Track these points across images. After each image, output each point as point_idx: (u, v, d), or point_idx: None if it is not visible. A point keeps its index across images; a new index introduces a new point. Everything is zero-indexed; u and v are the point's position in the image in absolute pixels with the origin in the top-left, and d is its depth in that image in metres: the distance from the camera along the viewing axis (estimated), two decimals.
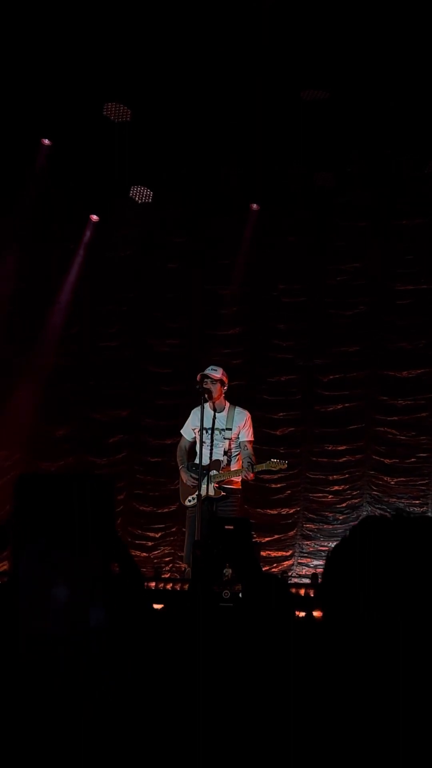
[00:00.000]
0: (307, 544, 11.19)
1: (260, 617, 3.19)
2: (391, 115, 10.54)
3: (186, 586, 7.84)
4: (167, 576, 9.93)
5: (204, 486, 8.26)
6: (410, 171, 11.10)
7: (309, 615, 6.69)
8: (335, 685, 2.11)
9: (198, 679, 2.69)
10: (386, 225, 11.29)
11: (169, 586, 8.14)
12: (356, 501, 11.13)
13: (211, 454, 8.27)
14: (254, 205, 11.75)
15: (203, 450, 8.28)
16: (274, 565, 11.14)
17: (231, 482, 8.38)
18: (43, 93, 10.52)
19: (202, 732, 2.55)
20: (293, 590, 7.92)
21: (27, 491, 2.71)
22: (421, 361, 11.15)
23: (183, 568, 10.02)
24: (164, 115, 10.90)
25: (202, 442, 8.30)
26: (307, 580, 9.78)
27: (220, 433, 8.36)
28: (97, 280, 12.11)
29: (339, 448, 11.31)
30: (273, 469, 8.58)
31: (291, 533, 11.26)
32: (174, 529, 11.45)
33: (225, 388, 8.46)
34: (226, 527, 7.19)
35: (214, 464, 8.29)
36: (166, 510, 11.55)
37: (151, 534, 11.64)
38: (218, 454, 8.32)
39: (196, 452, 8.47)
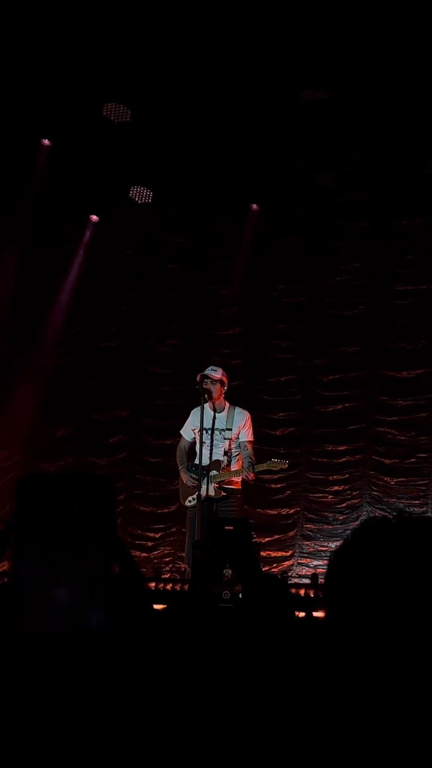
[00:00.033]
0: (307, 545, 11.19)
1: (260, 618, 3.18)
2: (391, 115, 10.54)
3: (186, 587, 7.84)
4: (167, 576, 9.93)
5: (204, 486, 8.26)
6: (410, 171, 11.10)
7: (309, 615, 6.69)
8: (335, 686, 2.11)
9: (198, 679, 2.69)
10: (386, 225, 11.30)
11: (169, 587, 8.14)
12: (356, 501, 11.13)
13: (210, 454, 8.27)
14: (254, 206, 11.75)
15: (203, 450, 8.28)
16: (274, 565, 11.14)
17: (231, 482, 8.37)
18: (43, 93, 10.52)
19: (202, 732, 2.55)
20: (293, 590, 7.92)
21: (27, 492, 2.71)
22: (421, 361, 11.15)
23: (183, 569, 10.02)
24: (164, 115, 10.90)
25: (202, 443, 8.30)
26: (307, 581, 9.78)
27: (220, 433, 8.35)
28: (97, 280, 12.11)
29: (339, 449, 11.31)
30: (274, 468, 8.57)
31: (291, 533, 11.26)
32: (174, 530, 11.45)
33: (225, 388, 8.46)
34: (226, 528, 7.19)
35: (215, 464, 8.28)
36: (166, 510, 11.54)
37: (151, 534, 11.64)
38: (218, 455, 8.32)
39: (195, 452, 8.46)
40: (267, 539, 11.11)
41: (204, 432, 8.25)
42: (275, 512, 11.31)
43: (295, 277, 11.71)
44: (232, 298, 11.84)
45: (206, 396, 8.27)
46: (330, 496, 11.25)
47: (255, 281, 11.82)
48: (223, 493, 8.29)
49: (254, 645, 2.93)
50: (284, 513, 11.32)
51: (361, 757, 2.03)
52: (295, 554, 11.18)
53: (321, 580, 8.80)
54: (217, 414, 8.37)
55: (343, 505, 11.20)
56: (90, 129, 11.03)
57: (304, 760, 2.31)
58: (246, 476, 8.31)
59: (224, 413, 8.42)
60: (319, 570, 10.55)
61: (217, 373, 8.39)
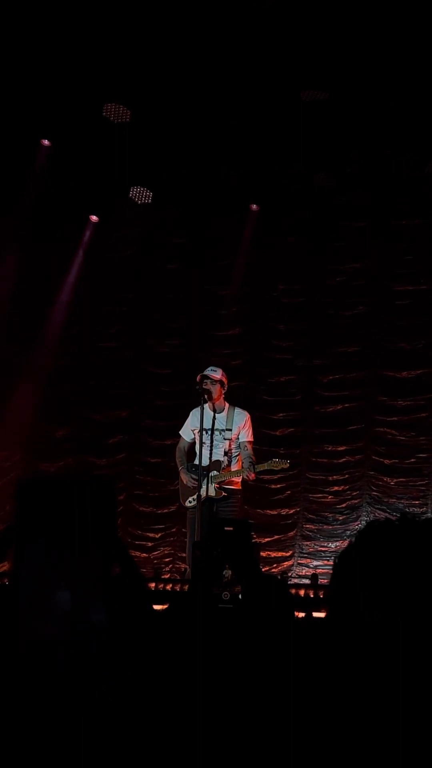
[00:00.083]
0: (306, 545, 11.19)
1: (260, 618, 3.18)
2: (391, 115, 10.54)
3: (186, 587, 7.83)
4: (167, 577, 9.93)
5: (204, 486, 8.26)
6: (410, 171, 11.10)
7: (309, 616, 6.69)
8: (336, 686, 2.11)
9: (198, 679, 2.68)
10: (386, 225, 11.29)
11: (168, 587, 8.14)
12: (356, 501, 11.13)
13: (210, 454, 8.26)
14: (254, 206, 11.75)
15: (203, 451, 8.27)
16: (274, 565, 11.13)
17: (231, 483, 8.37)
18: (43, 93, 10.52)
19: (202, 732, 2.54)
20: (293, 591, 7.92)
21: (28, 495, 2.71)
22: (421, 361, 11.15)
23: (183, 569, 10.01)
24: (164, 115, 10.90)
25: (201, 443, 8.29)
26: (306, 581, 9.77)
27: (220, 433, 8.35)
28: (97, 280, 12.11)
29: (339, 449, 11.31)
30: (275, 468, 8.56)
31: (291, 534, 11.26)
32: (174, 530, 11.45)
33: (225, 389, 8.45)
34: (226, 528, 7.18)
35: (215, 465, 8.28)
36: (166, 511, 11.54)
37: (151, 534, 11.64)
38: (218, 455, 8.32)
39: (195, 453, 8.46)
40: (267, 539, 11.11)
41: (204, 432, 8.25)
42: (275, 512, 11.31)
43: (295, 278, 11.70)
44: (232, 298, 11.84)
45: (206, 396, 8.27)
46: (330, 497, 11.25)
47: (255, 281, 11.82)
48: (223, 494, 8.29)
49: (254, 645, 2.93)
50: (284, 513, 11.32)
51: (361, 756, 2.02)
52: (295, 554, 11.18)
53: (321, 581, 8.81)
54: (216, 414, 8.36)
55: (343, 505, 11.19)
56: (90, 129, 11.02)
57: (304, 760, 2.31)
58: (247, 476, 8.31)
59: (224, 414, 8.42)
60: (319, 570, 10.55)
61: (216, 373, 8.38)
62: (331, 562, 8.65)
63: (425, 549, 2.02)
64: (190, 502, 8.40)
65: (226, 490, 8.32)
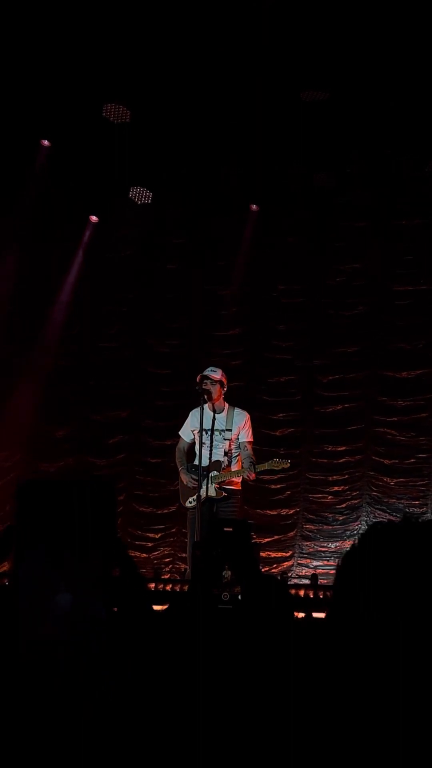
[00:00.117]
0: (306, 545, 11.19)
1: (259, 619, 3.18)
2: (391, 115, 10.54)
3: (186, 587, 7.83)
4: (167, 577, 9.93)
5: (204, 487, 8.25)
6: (410, 171, 11.09)
7: (308, 616, 6.68)
8: (336, 687, 2.11)
9: (198, 679, 2.68)
10: (386, 225, 11.29)
11: (168, 587, 8.14)
12: (356, 502, 11.12)
13: (210, 455, 8.26)
14: (254, 206, 11.75)
15: (203, 451, 8.27)
16: (274, 565, 11.13)
17: (231, 483, 8.37)
18: (43, 94, 10.52)
19: (202, 732, 2.54)
20: (293, 591, 7.92)
21: (28, 495, 2.72)
22: (421, 361, 11.15)
23: (183, 569, 10.01)
24: (164, 115, 10.90)
25: (201, 443, 8.29)
26: (306, 581, 9.77)
27: (220, 434, 8.35)
28: (97, 280, 12.11)
29: (338, 449, 11.31)
30: (276, 468, 8.56)
31: (291, 534, 11.26)
32: (174, 530, 11.45)
33: (224, 389, 8.45)
34: (226, 529, 7.18)
35: (215, 465, 8.28)
36: (166, 511, 11.54)
37: (151, 535, 11.63)
38: (218, 455, 8.31)
39: (195, 453, 8.45)
40: (267, 540, 11.11)
41: (204, 433, 8.25)
42: (275, 513, 11.30)
43: (295, 278, 11.70)
44: (231, 298, 11.84)
45: (206, 397, 8.27)
46: (330, 497, 11.24)
47: (255, 282, 11.82)
48: (223, 494, 8.29)
49: (253, 646, 2.93)
50: (284, 513, 11.32)
51: (361, 757, 2.02)
52: (295, 555, 11.17)
53: (321, 581, 8.81)
54: (216, 415, 8.36)
55: (343, 505, 11.19)
56: (90, 129, 11.02)
57: (304, 760, 2.31)
58: (247, 476, 8.30)
59: (224, 414, 8.42)
60: (318, 570, 10.55)
61: (216, 373, 8.38)
62: (332, 563, 8.70)
63: (428, 550, 2.01)
64: (190, 502, 8.39)
65: (226, 490, 8.32)
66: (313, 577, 8.98)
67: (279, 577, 9.78)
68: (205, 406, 8.28)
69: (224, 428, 8.37)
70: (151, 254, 12.12)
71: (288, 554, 11.20)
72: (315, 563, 11.02)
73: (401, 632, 1.96)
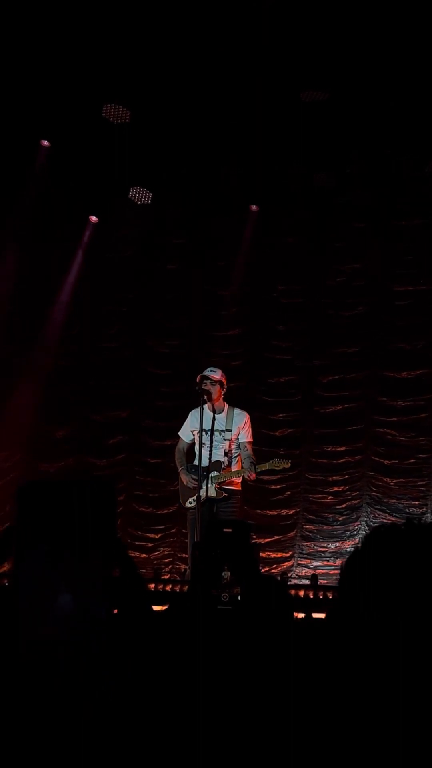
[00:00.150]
0: (306, 545, 11.19)
1: (259, 619, 3.18)
2: (391, 115, 10.53)
3: (186, 588, 7.83)
4: (167, 577, 9.92)
5: (204, 487, 8.25)
6: (410, 171, 11.09)
7: (308, 616, 6.68)
8: (336, 688, 2.10)
9: (198, 680, 2.68)
10: (386, 225, 11.29)
11: (168, 588, 8.14)
12: (356, 502, 11.12)
13: (210, 455, 8.26)
14: (253, 207, 11.74)
15: (203, 451, 8.27)
16: (274, 566, 11.13)
17: (232, 483, 8.37)
18: (43, 94, 10.52)
19: (202, 732, 2.54)
20: (293, 591, 7.92)
21: (29, 496, 2.72)
22: (421, 361, 11.14)
23: (182, 569, 10.01)
24: (164, 115, 10.90)
25: (201, 444, 8.29)
26: (306, 581, 9.77)
27: (219, 434, 8.34)
28: (97, 280, 12.11)
29: (338, 449, 11.30)
30: (276, 468, 8.56)
31: (291, 534, 11.25)
32: (174, 531, 11.45)
33: (224, 389, 8.45)
34: (225, 530, 7.18)
35: (215, 465, 8.28)
36: (166, 511, 11.54)
37: (151, 535, 11.63)
38: (218, 456, 8.31)
39: (194, 454, 8.45)
40: (267, 540, 11.10)
41: (204, 433, 8.24)
42: (275, 513, 11.30)
43: (295, 278, 11.70)
44: (231, 298, 11.83)
45: (205, 397, 8.27)
46: (330, 497, 11.24)
47: (255, 282, 11.81)
48: (224, 494, 8.29)
49: (253, 646, 2.92)
50: (284, 514, 11.31)
51: (361, 757, 2.02)
52: (295, 555, 11.17)
53: (321, 581, 8.80)
54: (216, 415, 8.36)
55: (343, 505, 11.19)
56: (89, 130, 11.02)
57: (304, 760, 2.31)
58: (248, 476, 8.30)
59: (223, 414, 8.42)
60: (318, 571, 10.55)
61: (216, 374, 8.38)
62: (331, 563, 8.67)
63: (430, 553, 2.01)
64: (190, 502, 8.39)
65: (226, 490, 8.32)
66: (313, 578, 8.98)
67: (279, 578, 9.78)
68: (205, 406, 8.28)
69: (224, 428, 8.37)
70: (151, 254, 12.11)
71: (288, 554, 11.19)
72: (315, 563, 11.02)
73: (403, 634, 1.96)
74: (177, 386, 11.41)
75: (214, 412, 8.36)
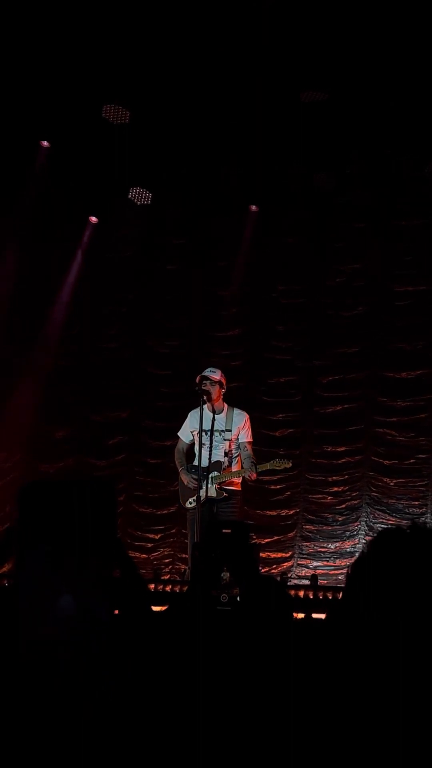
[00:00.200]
0: (306, 546, 11.18)
1: (258, 620, 3.18)
2: (391, 115, 10.53)
3: (185, 588, 7.83)
4: (167, 578, 9.92)
5: (205, 487, 8.25)
6: (410, 171, 11.08)
7: (308, 617, 6.68)
8: (336, 688, 2.10)
9: (198, 680, 2.68)
10: (386, 225, 11.28)
11: (168, 588, 8.14)
12: (356, 502, 11.12)
13: (210, 455, 8.26)
14: (253, 207, 11.74)
15: (203, 452, 8.27)
16: (274, 566, 11.13)
17: (232, 483, 8.37)
18: (43, 95, 10.52)
19: (202, 732, 2.54)
20: (293, 592, 7.91)
21: (29, 497, 2.72)
22: (421, 362, 11.14)
23: (182, 570, 10.01)
24: (164, 115, 10.90)
25: (201, 444, 8.29)
26: (306, 582, 9.77)
27: (219, 434, 8.35)
28: (97, 280, 12.11)
29: (338, 450, 11.30)
30: (277, 468, 8.57)
31: (290, 534, 11.25)
32: (173, 531, 11.44)
33: (224, 390, 8.46)
34: (224, 531, 7.18)
35: (215, 466, 8.28)
36: (166, 512, 11.53)
37: (151, 535, 11.63)
38: (218, 456, 8.31)
39: (194, 454, 8.45)
40: (266, 540, 11.10)
41: (203, 434, 8.24)
42: (275, 513, 11.30)
43: (295, 278, 11.70)
44: (231, 299, 11.83)
45: (205, 398, 8.27)
46: (329, 497, 11.24)
47: (254, 282, 11.81)
48: (225, 494, 8.29)
49: (252, 647, 2.92)
50: (284, 514, 11.31)
51: (361, 757, 2.02)
52: (295, 555, 11.17)
53: (321, 582, 8.80)
54: (216, 415, 8.36)
55: (343, 506, 11.18)
56: (89, 130, 11.02)
57: (304, 760, 2.30)
58: (248, 476, 8.31)
59: (223, 414, 8.42)
60: (318, 571, 10.55)
61: (216, 374, 8.39)
62: (331, 563, 8.65)
63: None
64: (190, 503, 8.39)
65: (226, 490, 8.32)
66: (313, 578, 8.97)
67: (279, 578, 9.78)
68: (205, 406, 8.28)
69: (224, 429, 8.37)
70: (151, 254, 12.11)
71: (288, 555, 11.19)
72: (315, 564, 11.02)
73: (407, 636, 1.96)
74: (177, 386, 11.41)
75: (213, 412, 8.36)
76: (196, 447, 8.38)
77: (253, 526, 9.71)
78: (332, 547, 11.08)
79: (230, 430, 8.37)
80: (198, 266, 11.91)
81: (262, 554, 10.70)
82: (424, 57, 9.79)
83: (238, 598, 6.21)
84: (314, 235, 11.55)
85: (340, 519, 11.16)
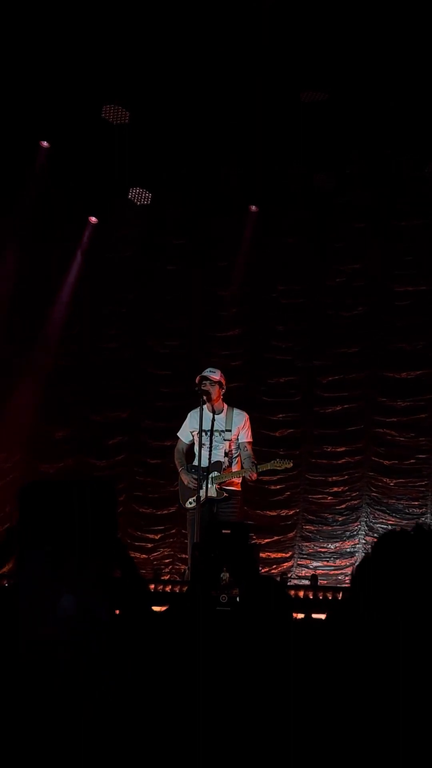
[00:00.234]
0: (306, 546, 11.18)
1: (258, 620, 3.17)
2: (391, 115, 10.53)
3: (185, 588, 7.83)
4: (166, 578, 9.92)
5: (205, 487, 8.25)
6: (410, 171, 11.08)
7: (308, 617, 6.68)
8: (336, 688, 2.10)
9: (198, 680, 2.68)
10: (386, 225, 11.28)
11: (168, 588, 8.14)
12: (356, 502, 11.12)
13: (210, 455, 8.26)
14: (253, 207, 11.74)
15: (203, 452, 8.27)
16: (274, 566, 11.13)
17: (232, 484, 8.37)
18: (43, 95, 10.52)
19: (202, 732, 2.54)
20: (292, 592, 7.91)
21: (30, 497, 2.72)
22: (421, 362, 11.14)
23: (182, 570, 10.01)
24: (164, 115, 10.90)
25: (201, 444, 8.28)
26: (306, 582, 9.77)
27: (219, 434, 8.35)
28: (97, 280, 12.10)
29: (338, 450, 11.30)
30: (278, 468, 8.57)
31: (290, 535, 11.25)
32: (173, 531, 11.44)
33: (223, 390, 8.46)
34: (224, 531, 7.18)
35: (215, 466, 8.28)
36: (166, 512, 11.53)
37: (151, 536, 11.63)
38: (218, 456, 8.31)
39: (194, 454, 8.45)
40: (266, 540, 11.10)
41: (203, 434, 8.24)
42: (275, 513, 11.30)
43: (295, 278, 11.69)
44: (231, 299, 11.83)
45: (205, 398, 8.27)
46: (329, 497, 11.24)
47: (254, 282, 11.81)
48: (225, 494, 8.29)
49: (252, 647, 2.92)
50: (284, 514, 11.31)
51: (361, 757, 2.02)
52: (295, 555, 11.17)
53: (321, 582, 8.80)
54: (216, 416, 8.36)
55: (343, 506, 11.18)
56: (89, 131, 11.03)
57: (303, 760, 2.30)
58: (249, 477, 8.31)
59: (223, 415, 8.42)
60: (318, 571, 10.55)
61: (215, 374, 8.39)
62: (331, 563, 8.65)
63: None
64: (190, 503, 8.39)
65: (226, 491, 8.33)
66: (313, 578, 8.97)
67: (278, 578, 9.78)
68: (204, 407, 8.28)
69: (224, 429, 8.37)
70: (151, 255, 12.11)
71: (288, 555, 11.19)
72: (315, 564, 11.02)
73: (407, 637, 1.95)
74: (177, 387, 11.40)
75: (213, 412, 8.36)
76: (196, 447, 8.38)
77: (253, 527, 9.72)
78: (332, 547, 11.07)
79: (230, 431, 8.37)
80: (198, 266, 11.90)
81: (262, 554, 10.70)
82: (424, 57, 9.78)
83: (238, 599, 6.20)
84: (314, 235, 11.55)
85: (340, 519, 11.16)
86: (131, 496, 11.72)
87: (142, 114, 10.99)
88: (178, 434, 8.71)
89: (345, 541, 11.03)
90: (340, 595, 7.58)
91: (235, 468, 8.37)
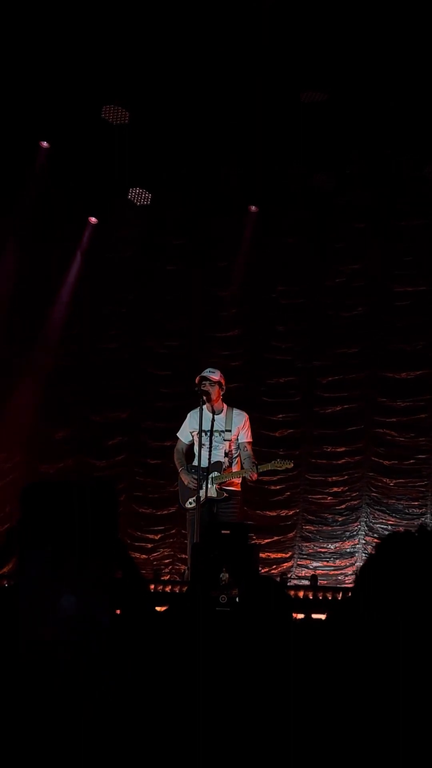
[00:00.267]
0: (306, 546, 11.18)
1: (257, 621, 3.17)
2: (391, 115, 10.53)
3: (185, 588, 7.83)
4: (166, 578, 9.92)
5: (205, 488, 8.25)
6: (410, 171, 11.07)
7: (308, 617, 6.68)
8: (336, 689, 2.10)
9: (198, 680, 2.68)
10: (386, 226, 11.28)
11: (168, 589, 8.14)
12: (355, 503, 11.12)
13: (210, 456, 8.26)
14: (253, 207, 11.74)
15: (203, 452, 8.27)
16: (274, 566, 11.13)
17: (232, 484, 8.37)
18: (43, 95, 10.52)
19: (202, 732, 2.54)
20: (292, 592, 7.91)
21: (31, 498, 2.72)
22: (421, 362, 11.14)
23: (182, 570, 10.01)
24: (164, 115, 10.90)
25: (201, 445, 8.29)
26: (306, 582, 9.77)
27: (219, 435, 8.35)
28: (97, 281, 12.10)
29: (338, 450, 11.30)
30: (279, 468, 8.57)
31: (290, 535, 11.25)
32: (173, 531, 11.44)
33: (223, 390, 8.46)
34: (223, 532, 7.18)
35: (216, 466, 8.28)
36: (166, 512, 11.53)
37: (151, 536, 11.63)
38: (218, 456, 8.32)
39: (194, 454, 8.45)
40: (266, 541, 11.10)
41: (203, 434, 8.24)
42: (274, 514, 11.30)
43: (295, 278, 11.69)
44: (231, 299, 11.83)
45: (204, 398, 8.28)
46: (329, 498, 11.24)
47: (254, 282, 11.81)
48: (225, 494, 8.29)
49: (252, 647, 2.92)
50: (283, 514, 11.31)
51: (361, 757, 2.02)
52: (295, 556, 11.17)
53: (321, 582, 8.80)
54: (215, 416, 8.36)
55: (343, 506, 11.18)
56: (89, 131, 11.03)
57: (303, 760, 2.30)
58: (249, 477, 8.31)
59: (223, 415, 8.42)
60: (318, 571, 10.55)
61: (215, 375, 8.39)
62: (331, 563, 8.66)
63: None
64: (190, 503, 8.39)
65: (226, 491, 8.33)
66: (313, 578, 8.97)
67: (278, 579, 9.78)
68: (204, 407, 8.28)
69: (224, 429, 8.37)
70: (150, 255, 12.11)
71: (288, 555, 11.19)
72: (314, 564, 11.02)
73: (408, 638, 1.95)
74: (177, 387, 11.40)
75: (213, 412, 8.37)
76: (196, 447, 8.38)
77: (253, 527, 9.73)
78: (332, 547, 11.07)
79: (230, 431, 8.37)
80: (198, 266, 11.90)
81: (261, 555, 10.69)
82: (424, 57, 9.79)
83: (238, 599, 6.20)
84: (314, 235, 11.55)
85: (340, 519, 11.16)
86: (131, 496, 11.72)
87: (142, 114, 10.99)
88: (178, 434, 8.71)
89: (345, 541, 11.03)
90: (340, 595, 7.59)
91: (235, 468, 8.37)
